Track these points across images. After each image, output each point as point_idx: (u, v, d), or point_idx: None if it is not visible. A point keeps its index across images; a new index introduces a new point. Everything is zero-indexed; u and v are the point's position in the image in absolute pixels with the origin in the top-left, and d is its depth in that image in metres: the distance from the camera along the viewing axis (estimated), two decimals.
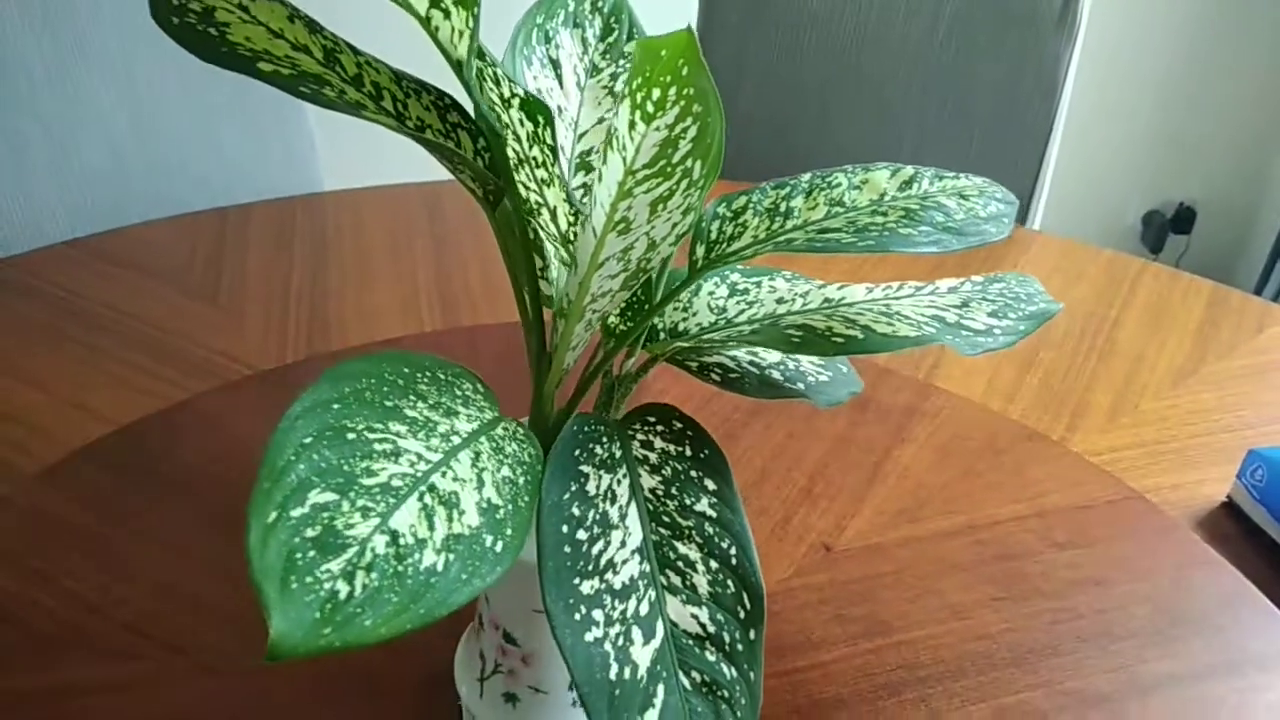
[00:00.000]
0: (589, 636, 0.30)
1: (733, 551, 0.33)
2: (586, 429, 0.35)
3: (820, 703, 0.50)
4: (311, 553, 0.26)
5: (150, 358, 0.76)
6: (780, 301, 0.38)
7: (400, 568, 0.27)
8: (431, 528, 0.28)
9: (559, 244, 0.37)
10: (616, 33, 0.43)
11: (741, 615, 0.32)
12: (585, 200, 0.40)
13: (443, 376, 0.33)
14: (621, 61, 0.42)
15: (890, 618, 0.55)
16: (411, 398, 0.31)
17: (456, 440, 0.31)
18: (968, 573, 0.58)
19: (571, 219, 0.37)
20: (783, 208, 0.36)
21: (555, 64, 0.40)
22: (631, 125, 0.29)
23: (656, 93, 0.28)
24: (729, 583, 0.33)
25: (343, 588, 0.26)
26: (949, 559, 0.59)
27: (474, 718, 0.45)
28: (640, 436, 0.36)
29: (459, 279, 0.88)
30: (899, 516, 0.63)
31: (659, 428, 0.36)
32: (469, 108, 0.35)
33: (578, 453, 0.34)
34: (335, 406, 0.29)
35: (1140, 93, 2.25)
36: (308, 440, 0.28)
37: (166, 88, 1.09)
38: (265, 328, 0.80)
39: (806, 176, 0.38)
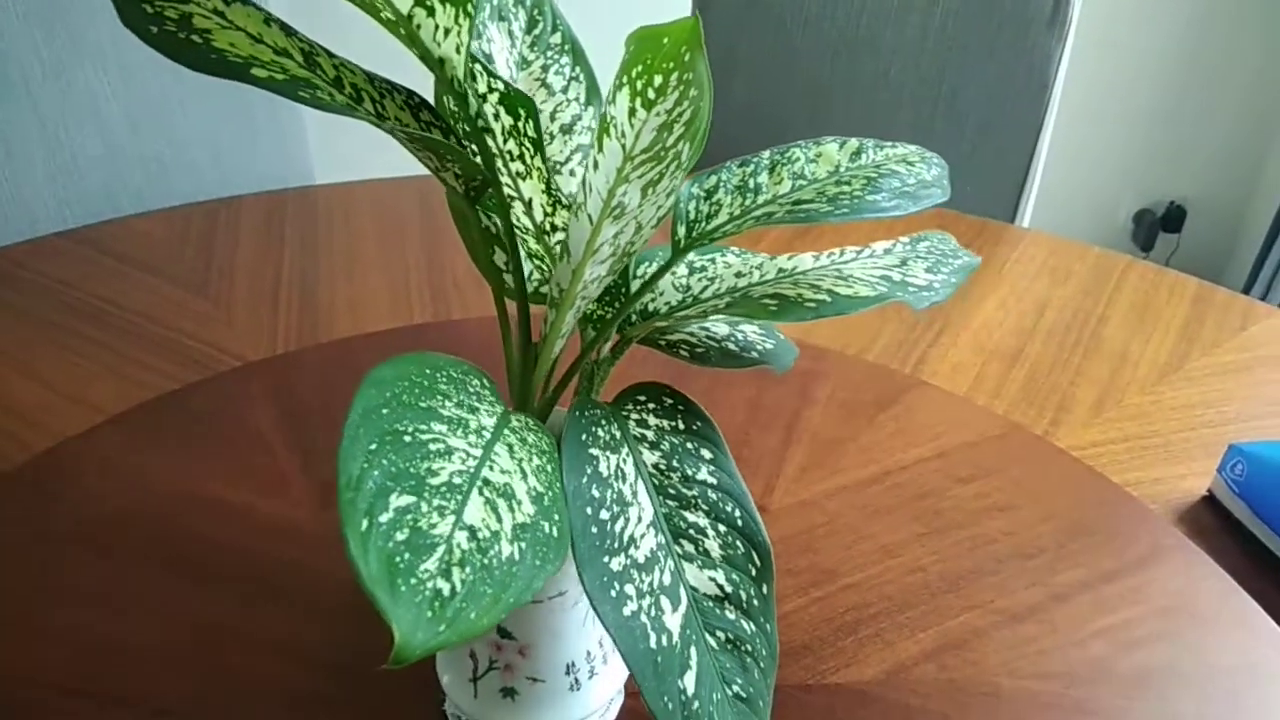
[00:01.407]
0: (626, 611, 0.31)
1: (737, 514, 0.35)
2: (587, 414, 0.35)
3: (788, 651, 0.53)
4: (408, 555, 0.26)
5: (141, 349, 0.76)
6: (739, 275, 0.39)
7: (485, 560, 0.27)
8: (499, 519, 0.29)
9: (533, 236, 0.38)
10: (541, 25, 0.43)
11: (753, 573, 0.34)
12: (576, 189, 0.40)
13: (455, 375, 0.33)
14: (549, 53, 0.42)
15: (833, 565, 0.58)
16: (439, 397, 0.31)
17: (487, 435, 0.31)
18: (892, 515, 0.62)
19: (549, 210, 0.37)
20: (751, 184, 0.37)
21: (489, 59, 0.41)
22: (632, 112, 0.30)
23: (659, 79, 0.29)
24: (738, 544, 0.35)
25: (444, 585, 0.26)
26: (873, 505, 0.63)
27: None
28: (635, 416, 0.37)
29: (449, 271, 0.88)
30: (820, 471, 0.66)
31: (650, 405, 0.37)
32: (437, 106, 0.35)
33: (584, 437, 0.34)
34: (385, 411, 0.29)
35: (1131, 92, 2.26)
36: (373, 447, 0.28)
37: (160, 80, 1.10)
38: (255, 319, 0.81)
39: (767, 153, 0.39)
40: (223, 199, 1.00)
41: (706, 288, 0.39)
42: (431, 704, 0.49)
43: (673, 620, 0.32)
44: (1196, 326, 0.86)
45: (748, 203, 0.36)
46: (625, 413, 0.37)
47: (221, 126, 1.16)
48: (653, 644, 0.31)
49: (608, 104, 0.31)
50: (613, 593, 0.31)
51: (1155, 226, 2.41)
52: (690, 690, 0.31)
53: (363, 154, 1.55)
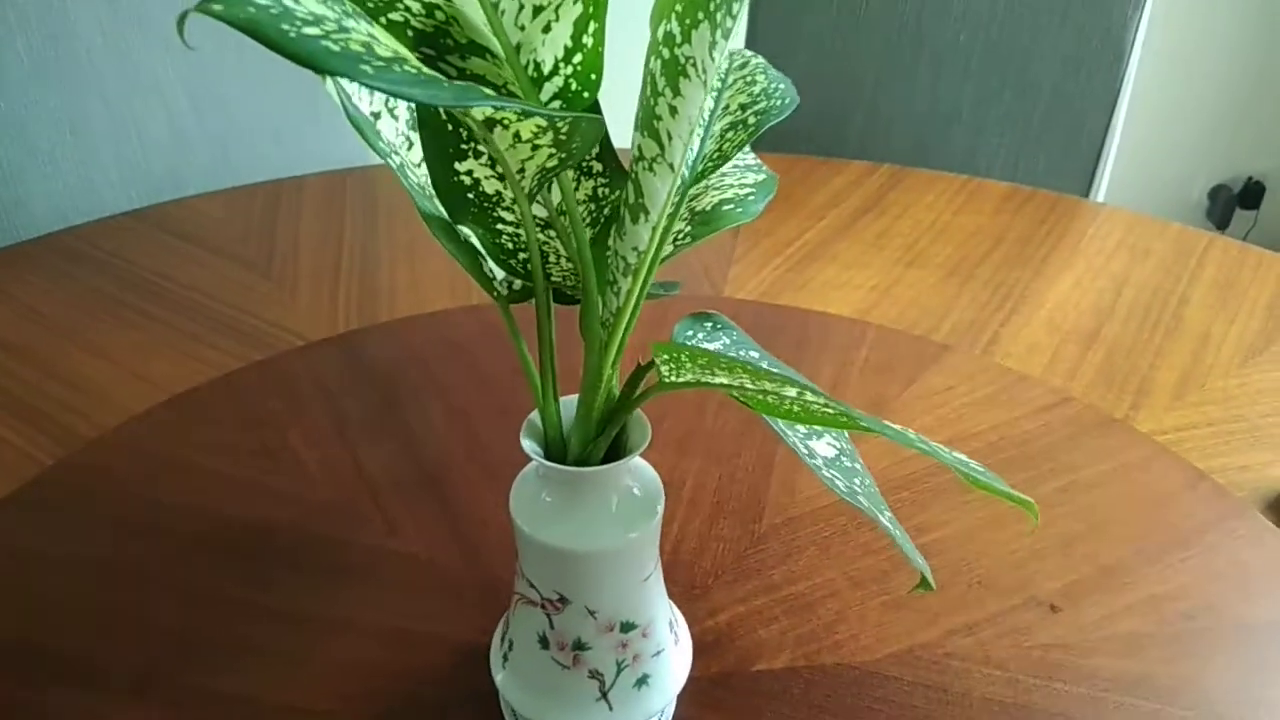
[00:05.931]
0: (842, 487, 0.34)
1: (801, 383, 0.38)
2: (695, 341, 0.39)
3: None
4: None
5: (204, 327, 0.77)
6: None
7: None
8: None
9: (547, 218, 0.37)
10: None
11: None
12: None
13: None
14: None
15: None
16: None
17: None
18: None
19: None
20: None
21: None
22: (712, 45, 0.29)
23: (735, 5, 0.29)
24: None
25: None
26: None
27: None
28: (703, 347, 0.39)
29: None
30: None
31: (699, 336, 0.39)
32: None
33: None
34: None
35: (1209, 62, 2.17)
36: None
37: (224, 61, 1.10)
38: (316, 299, 0.81)
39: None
40: (284, 179, 1.01)
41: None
42: None
43: (852, 483, 0.35)
44: None
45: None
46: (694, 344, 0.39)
47: (283, 107, 1.16)
48: (842, 490, 0.34)
49: (675, 46, 0.29)
50: (826, 474, 0.34)
51: (1232, 203, 2.32)
52: (890, 523, 0.35)
53: None
